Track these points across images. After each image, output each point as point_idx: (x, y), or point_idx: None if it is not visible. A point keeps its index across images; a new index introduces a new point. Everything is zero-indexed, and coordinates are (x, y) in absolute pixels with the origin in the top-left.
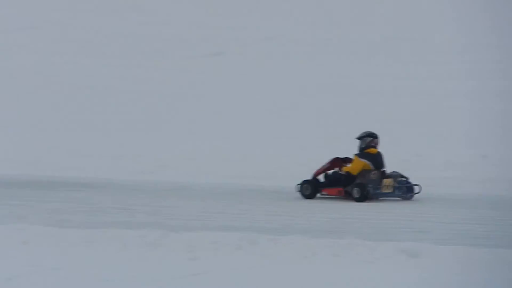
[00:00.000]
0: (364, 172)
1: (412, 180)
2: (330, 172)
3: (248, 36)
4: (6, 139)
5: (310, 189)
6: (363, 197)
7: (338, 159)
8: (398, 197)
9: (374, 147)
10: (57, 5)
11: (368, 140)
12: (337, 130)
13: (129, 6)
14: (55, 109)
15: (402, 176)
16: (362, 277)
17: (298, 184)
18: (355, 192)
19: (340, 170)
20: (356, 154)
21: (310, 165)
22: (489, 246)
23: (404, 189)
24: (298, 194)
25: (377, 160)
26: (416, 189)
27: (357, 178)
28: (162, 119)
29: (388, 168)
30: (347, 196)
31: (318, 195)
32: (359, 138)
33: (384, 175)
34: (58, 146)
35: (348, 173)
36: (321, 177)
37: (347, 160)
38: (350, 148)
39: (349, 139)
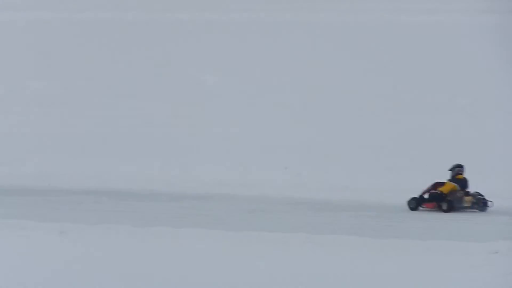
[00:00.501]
0: (452, 191)
1: (487, 197)
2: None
3: None
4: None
5: (415, 203)
6: (449, 209)
7: (438, 183)
8: (476, 209)
9: (461, 174)
10: None
11: (457, 169)
12: None
13: None
14: None
15: (480, 195)
16: None
17: (408, 200)
18: (444, 206)
19: (436, 190)
20: (449, 180)
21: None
22: None
23: (481, 204)
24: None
25: (462, 183)
26: (489, 204)
27: (448, 196)
28: None
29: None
30: (439, 208)
31: (420, 208)
32: (451, 169)
33: (467, 194)
34: None
35: (442, 192)
36: (426, 195)
37: (444, 184)
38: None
39: None
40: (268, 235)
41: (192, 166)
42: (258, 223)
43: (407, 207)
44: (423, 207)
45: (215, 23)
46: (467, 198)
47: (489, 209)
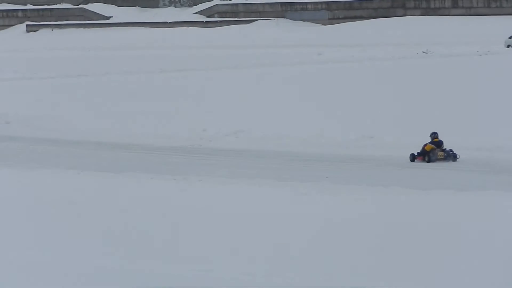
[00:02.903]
0: (432, 149)
1: (455, 151)
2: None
3: None
4: None
5: (412, 157)
6: (429, 161)
7: (426, 144)
8: (449, 160)
9: (436, 138)
10: None
11: (433, 135)
12: None
13: None
14: None
15: (451, 150)
16: None
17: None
18: (427, 159)
19: (423, 149)
20: (429, 142)
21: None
22: None
23: (451, 156)
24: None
25: (437, 144)
26: (458, 156)
27: (429, 153)
28: None
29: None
30: (425, 160)
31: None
32: (430, 135)
33: (441, 150)
34: None
35: (425, 150)
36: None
37: (426, 145)
38: None
39: None
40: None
41: None
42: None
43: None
44: (417, 160)
45: None
46: (440, 153)
47: (458, 159)
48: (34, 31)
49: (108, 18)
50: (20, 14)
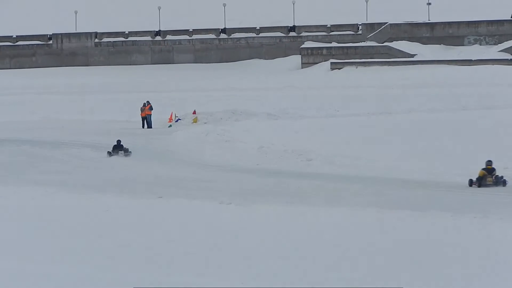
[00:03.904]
0: (484, 175)
1: (506, 177)
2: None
3: None
4: None
5: (470, 182)
6: (479, 186)
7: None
8: (496, 185)
9: (490, 165)
10: None
11: (486, 162)
12: None
13: None
14: None
15: (501, 176)
16: None
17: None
18: (477, 183)
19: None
20: (482, 168)
21: None
22: None
23: (500, 182)
24: None
25: (489, 171)
26: (507, 182)
27: (482, 178)
28: None
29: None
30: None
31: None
32: (485, 162)
33: (491, 176)
34: None
35: (479, 176)
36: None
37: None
38: None
39: None
40: None
41: None
42: None
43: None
44: (474, 185)
45: None
46: (489, 179)
47: (508, 184)
48: (339, 68)
49: (412, 56)
50: (324, 52)
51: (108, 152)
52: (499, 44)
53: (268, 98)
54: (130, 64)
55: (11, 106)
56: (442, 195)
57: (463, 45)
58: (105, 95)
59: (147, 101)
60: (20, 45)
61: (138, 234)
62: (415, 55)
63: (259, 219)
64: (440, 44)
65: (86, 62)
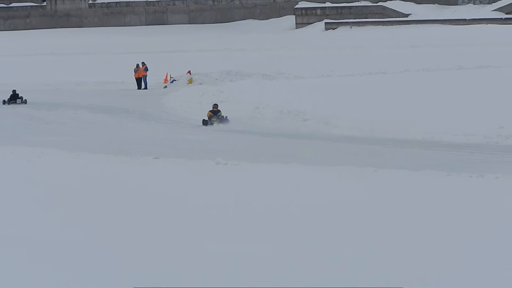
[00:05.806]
0: (210, 116)
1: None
2: None
3: None
4: None
5: None
6: (207, 124)
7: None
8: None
9: (216, 107)
10: None
11: (213, 106)
12: None
13: None
14: None
15: (225, 116)
16: None
17: None
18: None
19: None
20: (210, 111)
21: None
22: None
23: (224, 120)
24: None
25: (214, 112)
26: (228, 120)
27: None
28: None
29: None
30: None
31: None
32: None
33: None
34: None
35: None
36: None
37: None
38: None
39: None
40: None
41: None
42: None
43: None
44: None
45: None
46: (213, 118)
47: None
48: (333, 28)
49: (407, 15)
50: (319, 12)
51: (3, 100)
52: (492, 3)
53: (263, 58)
54: (124, 26)
55: (6, 68)
56: (440, 155)
57: (457, 4)
58: (99, 56)
59: (142, 62)
60: (14, 7)
61: (136, 193)
62: (409, 14)
63: (256, 178)
64: (434, 4)
65: (80, 24)
